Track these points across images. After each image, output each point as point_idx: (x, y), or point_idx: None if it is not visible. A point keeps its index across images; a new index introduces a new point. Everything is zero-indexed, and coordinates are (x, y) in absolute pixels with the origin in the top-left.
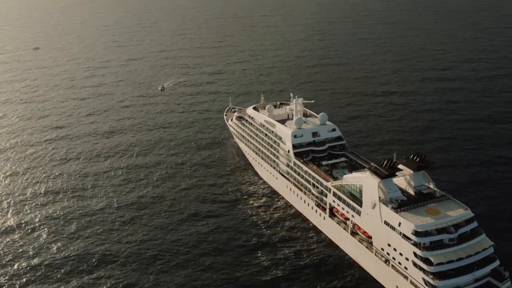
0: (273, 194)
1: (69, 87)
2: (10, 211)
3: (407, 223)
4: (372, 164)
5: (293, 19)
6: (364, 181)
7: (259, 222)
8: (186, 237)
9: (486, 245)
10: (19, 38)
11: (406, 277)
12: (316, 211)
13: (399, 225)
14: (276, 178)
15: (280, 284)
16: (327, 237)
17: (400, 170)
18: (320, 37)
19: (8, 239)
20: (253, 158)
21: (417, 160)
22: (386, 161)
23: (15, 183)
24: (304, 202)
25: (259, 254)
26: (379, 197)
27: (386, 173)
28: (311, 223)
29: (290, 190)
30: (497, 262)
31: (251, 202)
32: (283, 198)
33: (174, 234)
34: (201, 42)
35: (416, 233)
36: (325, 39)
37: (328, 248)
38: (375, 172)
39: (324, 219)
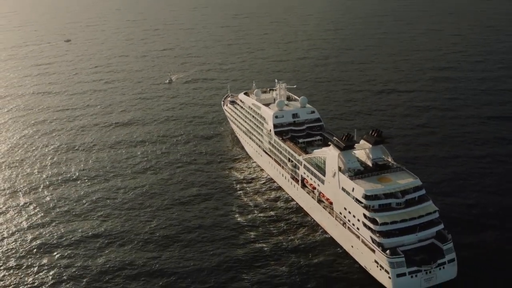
0: (259, 170)
1: (92, 80)
2: (26, 190)
3: (359, 188)
4: (334, 138)
5: (306, 19)
6: (328, 153)
7: (245, 198)
8: (180, 212)
9: (431, 210)
10: (52, 30)
11: (358, 237)
12: (291, 183)
13: (353, 190)
14: (261, 155)
15: (255, 253)
16: (300, 207)
17: (357, 143)
18: (332, 36)
19: (23, 214)
20: (243, 138)
21: (375, 135)
22: (345, 136)
23: (33, 167)
24: (282, 175)
25: (241, 227)
26: (339, 167)
27: (344, 145)
28: (292, 198)
29: (272, 165)
30: (441, 226)
31: (239, 178)
32: (266, 173)
33: (170, 210)
34: (215, 39)
35: (366, 197)
36: (335, 38)
37: (302, 218)
38: (336, 145)
39: (297, 189)
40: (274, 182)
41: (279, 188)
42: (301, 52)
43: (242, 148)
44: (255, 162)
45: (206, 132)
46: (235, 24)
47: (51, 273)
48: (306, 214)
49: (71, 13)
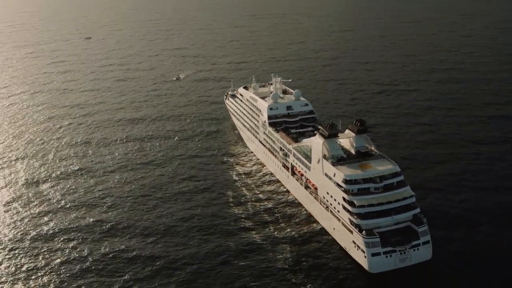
0: (256, 160)
1: (106, 78)
2: (37, 180)
3: (339, 174)
4: (319, 127)
5: (320, 20)
6: (313, 141)
7: (240, 186)
8: (179, 202)
9: (407, 195)
10: (73, 28)
11: (339, 219)
12: (282, 171)
13: (334, 175)
14: (257, 146)
15: (246, 239)
16: (291, 194)
17: (340, 132)
18: (342, 36)
19: (34, 202)
20: (242, 130)
21: (358, 125)
22: (329, 125)
23: (45, 159)
24: (275, 164)
25: (235, 211)
26: (324, 154)
27: (327, 133)
28: (284, 186)
29: (266, 155)
30: (417, 210)
31: (236, 168)
32: (262, 163)
33: (170, 200)
34: (228, 38)
35: (345, 181)
36: (345, 39)
37: (292, 205)
38: (321, 133)
39: (288, 177)
40: (269, 171)
41: (273, 177)
42: (311, 52)
43: (242, 140)
44: (252, 152)
45: (209, 125)
46: (249, 24)
47: (56, 255)
48: (297, 201)
49: (92, 12)
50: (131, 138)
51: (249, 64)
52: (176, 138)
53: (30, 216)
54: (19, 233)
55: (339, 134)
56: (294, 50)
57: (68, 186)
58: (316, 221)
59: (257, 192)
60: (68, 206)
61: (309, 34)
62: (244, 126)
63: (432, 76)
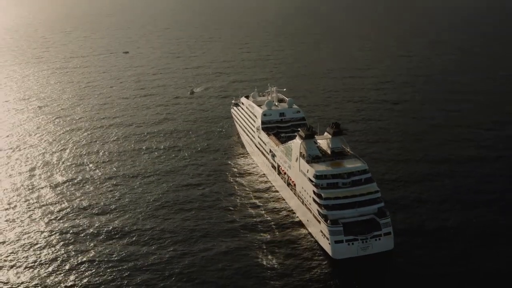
0: (252, 162)
1: (126, 94)
2: (50, 186)
3: (312, 170)
4: (299, 129)
5: (341, 39)
6: (294, 142)
7: (239, 191)
8: (182, 194)
9: (372, 190)
10: (112, 42)
11: (311, 211)
12: (271, 170)
13: (307, 171)
14: (253, 149)
15: (237, 231)
16: (277, 190)
17: (316, 133)
18: (357, 55)
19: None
20: (242, 135)
21: (334, 127)
22: (306, 128)
23: (59, 166)
24: (266, 165)
25: (229, 210)
26: (302, 153)
27: (305, 134)
28: (272, 183)
29: (260, 157)
30: (382, 204)
31: (237, 177)
32: (260, 170)
33: (174, 192)
34: (253, 56)
35: (316, 177)
36: (360, 57)
37: (279, 201)
38: (300, 135)
39: (275, 176)
40: (268, 180)
41: (269, 184)
42: (328, 70)
43: (247, 151)
44: (250, 155)
45: (217, 138)
46: (276, 43)
47: (65, 250)
48: (288, 207)
49: (132, 29)
50: (145, 149)
51: (268, 80)
52: (185, 150)
53: (46, 214)
54: (23, 229)
55: (316, 136)
56: (314, 67)
57: (81, 189)
58: (301, 225)
59: (249, 191)
60: (80, 207)
61: (331, 52)
62: (244, 131)
63: (441, 96)
